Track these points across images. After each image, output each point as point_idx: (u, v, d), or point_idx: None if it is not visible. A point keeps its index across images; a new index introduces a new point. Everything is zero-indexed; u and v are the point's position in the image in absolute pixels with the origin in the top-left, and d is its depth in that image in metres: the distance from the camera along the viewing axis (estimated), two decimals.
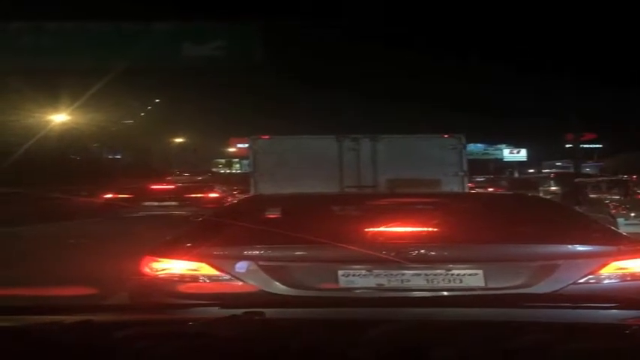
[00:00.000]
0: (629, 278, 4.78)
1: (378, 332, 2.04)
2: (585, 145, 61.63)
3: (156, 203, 24.18)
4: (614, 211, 20.08)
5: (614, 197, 21.13)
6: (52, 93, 39.47)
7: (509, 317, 2.43)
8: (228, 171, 71.66)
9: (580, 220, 6.43)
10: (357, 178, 14.25)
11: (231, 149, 80.00)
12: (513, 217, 5.97)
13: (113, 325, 2.27)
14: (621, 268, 4.79)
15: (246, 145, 18.88)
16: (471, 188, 26.84)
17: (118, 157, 68.58)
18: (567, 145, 64.77)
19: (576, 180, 29.89)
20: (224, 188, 25.56)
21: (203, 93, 59.79)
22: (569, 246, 4.97)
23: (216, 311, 2.54)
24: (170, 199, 24.51)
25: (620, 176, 21.98)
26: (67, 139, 48.02)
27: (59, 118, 43.55)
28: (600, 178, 25.14)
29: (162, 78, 47.69)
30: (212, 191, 26.38)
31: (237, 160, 75.58)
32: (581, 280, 4.70)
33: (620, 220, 19.12)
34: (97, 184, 47.85)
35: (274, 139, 15.99)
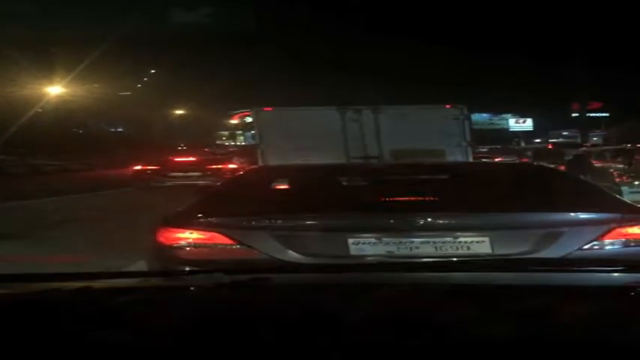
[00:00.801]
0: (632, 244, 4.86)
1: (380, 296, 2.07)
2: (592, 114, 61.56)
3: (181, 174, 26.17)
4: (618, 179, 20.19)
5: (618, 166, 21.30)
6: (48, 65, 39.53)
7: (515, 281, 2.44)
8: (232, 143, 71.53)
9: (584, 188, 6.52)
10: (362, 148, 14.21)
11: (234, 121, 79.89)
12: (519, 185, 6.04)
13: (112, 290, 2.29)
14: (625, 235, 4.86)
15: (250, 118, 18.88)
16: (479, 158, 26.87)
17: (120, 130, 68.69)
18: (573, 114, 64.77)
19: (580, 149, 30.11)
20: (242, 160, 26.36)
21: (201, 64, 59.63)
22: (574, 213, 5.05)
23: (220, 277, 2.54)
24: (193, 170, 26.38)
25: (624, 145, 21.94)
26: (63, 111, 48.13)
27: (54, 90, 43.61)
28: (604, 147, 25.05)
29: (158, 49, 47.68)
30: (230, 162, 27.87)
31: (240, 132, 75.43)
32: (586, 247, 4.77)
33: (625, 189, 19.16)
34: (100, 157, 48.23)
35: (277, 111, 15.87)
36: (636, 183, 19.05)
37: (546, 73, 56.54)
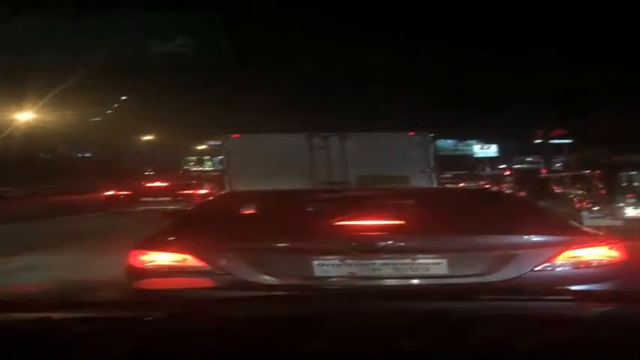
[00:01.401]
0: (581, 265, 5.18)
1: (328, 327, 2.13)
2: (555, 141, 62.32)
3: (152, 199, 26.57)
4: (578, 205, 20.52)
5: (577, 192, 21.52)
6: (19, 91, 39.45)
7: (464, 310, 2.50)
8: (200, 168, 71.49)
9: (537, 212, 6.86)
10: (329, 174, 14.42)
11: (202, 147, 79.89)
12: (476, 210, 6.36)
13: (71, 321, 2.26)
14: (574, 257, 5.18)
15: (218, 144, 19.01)
16: (444, 183, 27.19)
17: (88, 155, 68.43)
18: (537, 141, 65.55)
19: (540, 176, 30.57)
20: (212, 185, 26.67)
21: (171, 91, 59.61)
22: (526, 236, 5.36)
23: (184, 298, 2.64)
24: (164, 196, 26.78)
25: (583, 171, 22.31)
26: (33, 137, 47.96)
27: (25, 116, 43.48)
28: (564, 174, 25.76)
29: (130, 76, 47.68)
30: (201, 188, 28.27)
31: (208, 157, 75.44)
32: (538, 268, 5.07)
33: (585, 214, 19.55)
34: (68, 182, 48.03)
35: (245, 138, 16.11)
36: (595, 209, 19.35)
37: (511, 99, 57.14)
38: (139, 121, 64.75)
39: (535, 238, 5.36)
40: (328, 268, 5.04)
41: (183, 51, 22.91)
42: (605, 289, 4.95)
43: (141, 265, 5.23)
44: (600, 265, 5.21)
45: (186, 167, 72.52)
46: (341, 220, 5.82)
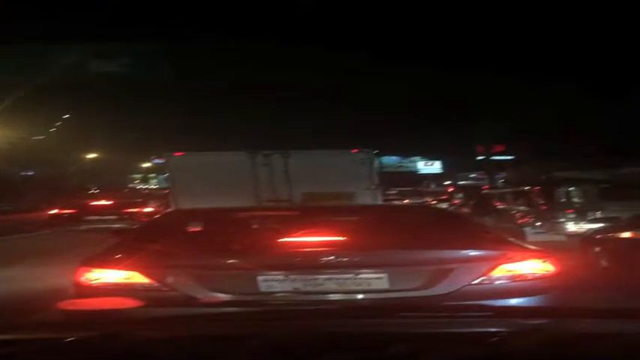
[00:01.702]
0: (517, 279, 5.39)
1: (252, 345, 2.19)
2: (497, 157, 63.23)
3: (97, 217, 26.30)
4: (520, 221, 20.87)
5: (520, 208, 21.91)
6: None
7: (384, 327, 2.52)
8: (145, 186, 70.95)
9: (474, 228, 7.08)
10: (273, 192, 14.46)
11: (147, 164, 79.37)
12: (416, 226, 6.55)
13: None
14: (510, 271, 5.39)
15: (163, 162, 18.91)
16: (389, 200, 27.46)
17: (31, 173, 67.46)
18: (479, 157, 66.42)
19: (483, 192, 30.98)
20: (158, 203, 26.50)
21: (115, 109, 59.11)
22: (463, 251, 5.57)
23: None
24: (109, 214, 26.58)
25: (524, 187, 22.72)
26: None
27: None
28: (505, 190, 26.13)
29: (73, 94, 47.25)
30: (146, 206, 28.06)
31: (153, 175, 74.98)
32: (475, 282, 5.27)
33: (528, 230, 19.88)
34: (11, 201, 47.34)
35: (188, 156, 16.09)
36: (538, 224, 19.71)
37: (452, 116, 57.91)
38: (83, 139, 64.09)
39: (472, 253, 5.56)
40: (273, 283, 5.17)
41: (124, 71, 22.86)
42: (526, 305, 5.17)
43: (87, 283, 5.29)
44: (535, 279, 5.42)
45: (131, 185, 72.00)
46: (285, 237, 5.96)
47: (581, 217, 18.35)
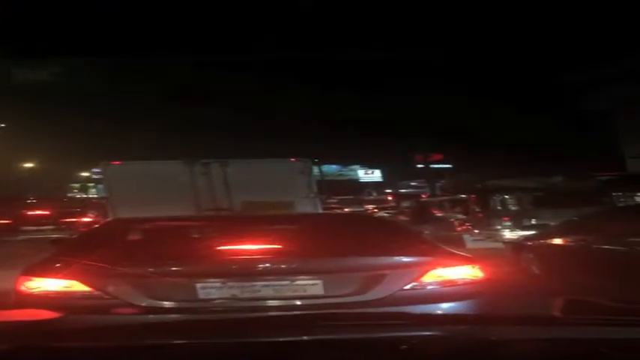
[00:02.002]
0: (447, 285, 5.62)
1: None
2: (436, 166, 63.97)
3: (34, 228, 26.06)
4: (459, 228, 21.51)
5: (458, 216, 22.49)
6: None
7: (301, 336, 2.48)
8: (84, 195, 70.08)
9: (407, 235, 7.31)
10: (213, 201, 14.36)
11: (86, 174, 78.42)
12: (351, 233, 6.75)
13: None
14: (440, 276, 5.61)
15: (100, 171, 18.59)
16: (330, 208, 27.52)
17: None
18: (418, 166, 67.09)
19: (421, 200, 31.51)
20: (97, 212, 26.09)
21: (54, 119, 58.31)
22: (395, 257, 5.78)
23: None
24: (47, 224, 26.47)
25: (460, 196, 23.29)
26: None
27: None
28: (443, 198, 26.75)
29: (7, 103, 46.57)
30: (85, 216, 27.43)
31: (92, 184, 74.07)
32: (407, 287, 5.48)
33: (466, 237, 20.33)
34: None
35: (125, 165, 15.86)
36: (476, 231, 20.38)
37: (391, 125, 58.28)
38: (21, 148, 63.07)
39: (403, 259, 5.77)
40: (211, 290, 5.30)
41: (55, 80, 22.71)
42: (446, 311, 5.40)
43: (28, 291, 5.36)
44: (464, 284, 5.65)
45: (70, 194, 71.03)
46: (223, 245, 6.11)
47: (516, 224, 18.89)
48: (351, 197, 51.92)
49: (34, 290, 5.36)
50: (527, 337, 2.42)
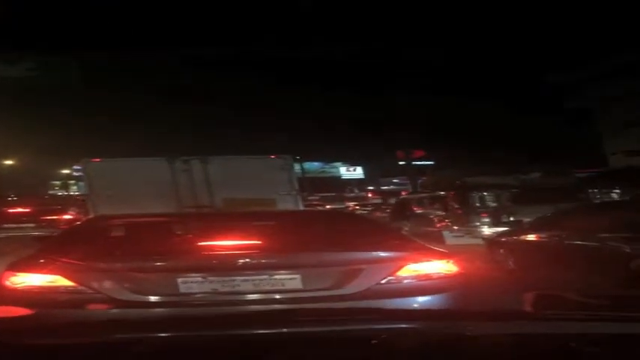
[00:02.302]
0: (423, 278, 5.78)
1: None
2: (418, 162, 64.17)
3: (14, 225, 25.28)
4: (438, 225, 21.69)
5: (438, 212, 22.66)
6: None
7: (275, 333, 2.50)
8: (65, 193, 69.77)
9: (383, 231, 7.49)
10: (194, 198, 14.33)
11: (66, 171, 78.05)
12: (328, 229, 6.91)
13: None
14: (415, 270, 5.77)
15: (80, 168, 18.42)
16: (312, 205, 27.58)
17: None
18: (400, 162, 67.28)
19: (401, 197, 31.89)
20: (78, 210, 25.87)
21: (34, 115, 58.00)
22: (372, 252, 5.93)
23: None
24: (27, 222, 25.63)
25: (439, 192, 23.45)
26: None
27: None
28: (423, 195, 26.86)
29: None
30: (66, 213, 27.11)
31: (73, 182, 73.72)
32: (383, 281, 5.63)
33: (446, 234, 20.50)
34: None
35: (106, 162, 15.92)
36: (455, 228, 20.62)
37: (372, 122, 58.38)
38: (1, 145, 62.70)
39: (380, 254, 5.94)
40: (192, 285, 5.44)
41: (32, 75, 22.59)
42: (419, 307, 5.57)
43: (13, 286, 5.48)
44: (439, 278, 5.80)
45: (51, 192, 70.67)
46: (204, 241, 6.26)
47: (494, 220, 19.18)
48: (333, 194, 52.05)
49: (18, 285, 5.48)
50: (500, 332, 2.42)
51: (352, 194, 61.47)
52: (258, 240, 6.32)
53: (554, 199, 17.04)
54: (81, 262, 5.58)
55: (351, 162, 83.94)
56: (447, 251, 6.46)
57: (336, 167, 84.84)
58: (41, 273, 5.50)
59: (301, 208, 15.40)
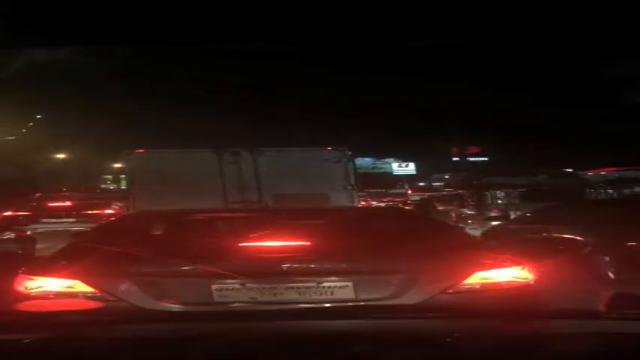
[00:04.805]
0: (492, 287, 5.03)
1: (232, 346, 2.12)
2: (472, 159, 63.36)
3: (54, 220, 25.09)
4: (454, 219, 23.60)
5: (456, 209, 24.97)
6: None
7: (341, 328, 2.47)
8: (116, 187, 70.33)
9: (446, 231, 6.76)
10: (241, 193, 13.69)
11: (119, 165, 78.69)
12: (386, 229, 6.20)
13: None
14: (484, 278, 5.03)
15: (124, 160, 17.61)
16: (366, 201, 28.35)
17: None
18: (454, 159, 66.50)
19: (427, 194, 35.51)
20: (120, 204, 25.54)
21: (89, 109, 58.47)
22: (434, 257, 5.20)
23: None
24: (68, 216, 25.66)
25: (459, 191, 26.03)
26: None
27: None
28: (444, 193, 30.10)
29: (46, 94, 46.62)
30: (108, 208, 26.77)
31: (124, 176, 74.15)
32: (450, 291, 4.92)
33: (462, 226, 21.49)
34: None
35: (150, 153, 15.31)
36: (469, 222, 22.11)
37: (426, 117, 57.81)
38: (55, 139, 63.50)
39: (444, 260, 5.22)
40: (228, 292, 4.81)
41: (83, 67, 22.36)
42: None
43: (26, 292, 4.88)
44: (512, 288, 5.11)
45: (103, 186, 71.18)
46: (247, 243, 5.58)
47: (503, 215, 19.94)
48: (383, 190, 51.52)
49: (32, 290, 4.88)
50: (581, 331, 2.39)
51: (401, 190, 60.61)
52: (305, 241, 5.65)
53: (555, 197, 17.87)
54: (105, 265, 4.97)
55: (404, 157, 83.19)
56: (519, 257, 5.67)
57: (389, 163, 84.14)
58: (59, 277, 4.88)
59: (356, 204, 14.65)
